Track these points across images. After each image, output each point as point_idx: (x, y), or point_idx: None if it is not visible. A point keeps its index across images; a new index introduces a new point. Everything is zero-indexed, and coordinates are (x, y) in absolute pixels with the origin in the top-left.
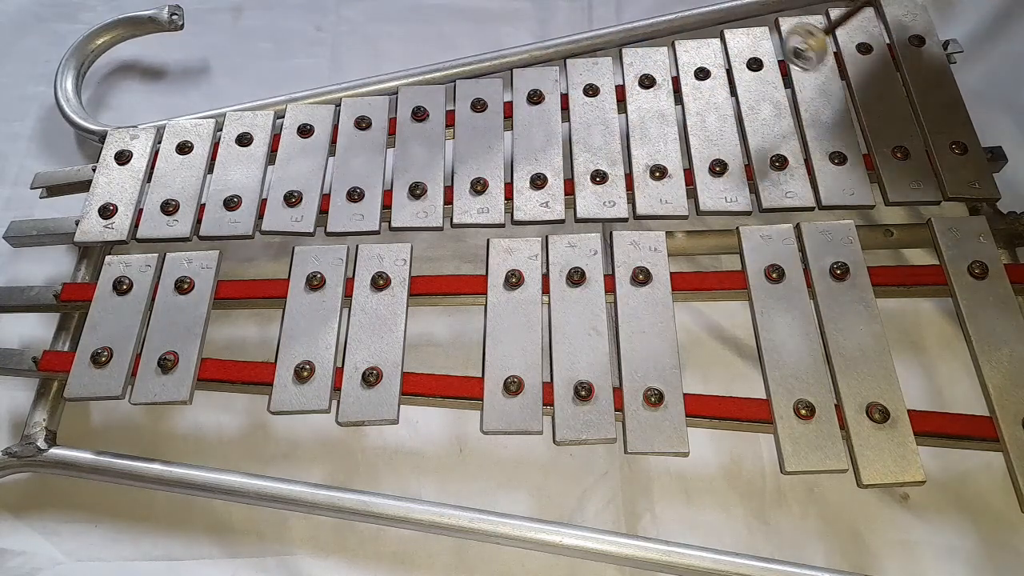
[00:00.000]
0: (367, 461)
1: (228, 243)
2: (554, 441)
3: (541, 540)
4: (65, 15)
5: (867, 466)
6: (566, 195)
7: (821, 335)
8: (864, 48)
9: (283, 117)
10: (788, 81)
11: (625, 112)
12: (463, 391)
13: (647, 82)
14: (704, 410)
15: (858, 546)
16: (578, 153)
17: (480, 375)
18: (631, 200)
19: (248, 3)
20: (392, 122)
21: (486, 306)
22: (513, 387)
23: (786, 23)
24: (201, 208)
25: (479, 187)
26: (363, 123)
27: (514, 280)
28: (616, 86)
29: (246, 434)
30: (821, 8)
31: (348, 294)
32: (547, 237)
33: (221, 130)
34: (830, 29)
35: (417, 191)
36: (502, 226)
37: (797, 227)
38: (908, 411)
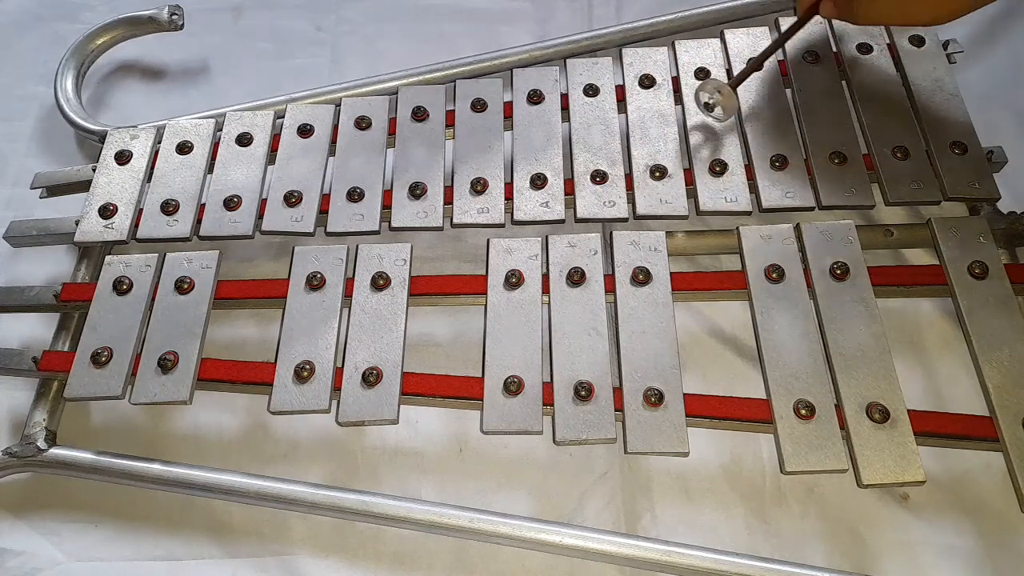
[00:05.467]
0: (367, 461)
1: (228, 243)
2: (554, 441)
3: (541, 540)
4: (65, 15)
5: (867, 466)
6: (566, 195)
7: (821, 335)
8: (864, 48)
9: (283, 117)
10: (788, 81)
11: (625, 112)
12: (463, 391)
13: (647, 82)
14: (704, 410)
15: (858, 546)
16: (578, 153)
17: (480, 375)
18: (631, 200)
19: (248, 3)
20: (392, 122)
21: (486, 306)
22: (513, 387)
23: (702, 85)
24: (201, 208)
25: (479, 187)
26: (363, 123)
27: (514, 280)
28: (616, 86)
29: (246, 434)
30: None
31: (348, 294)
32: (547, 237)
33: (221, 130)
34: (734, 85)
35: (417, 191)
36: (502, 226)
37: (797, 227)
38: (908, 411)
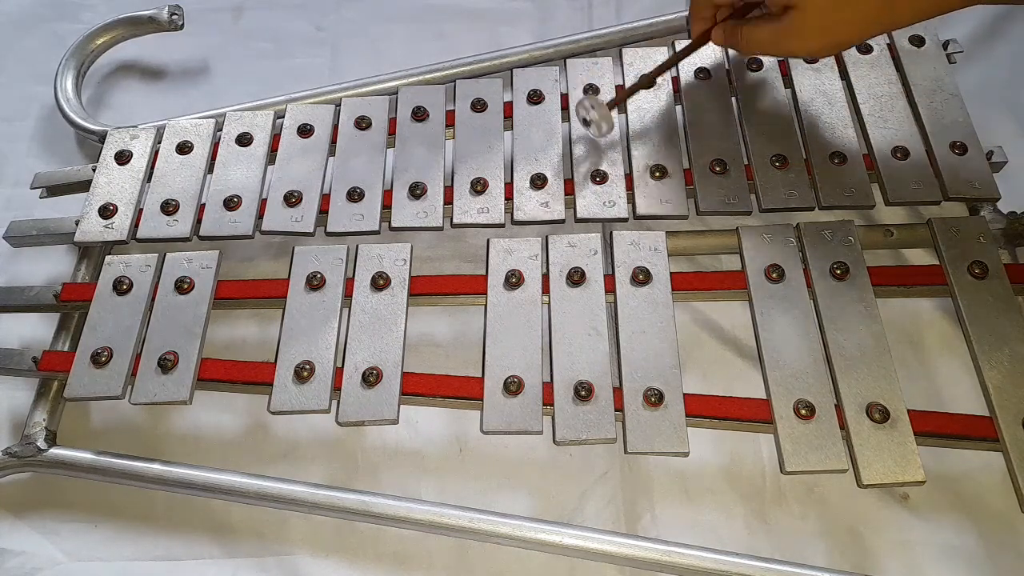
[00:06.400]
0: (367, 461)
1: (228, 243)
2: (554, 441)
3: (541, 540)
4: (65, 15)
5: (867, 466)
6: (566, 195)
7: (821, 335)
8: (864, 48)
9: (283, 117)
10: (788, 81)
11: (625, 112)
12: (463, 391)
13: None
14: (704, 410)
15: (858, 546)
16: (578, 153)
17: (480, 375)
18: (631, 200)
19: (248, 3)
20: (392, 122)
21: (486, 306)
22: (513, 387)
23: (580, 102)
24: (201, 208)
25: (479, 187)
26: (363, 123)
27: (514, 280)
28: (616, 86)
29: (246, 434)
30: None
31: (348, 294)
32: (547, 237)
33: (221, 130)
34: (613, 104)
35: (417, 191)
36: (502, 226)
37: (797, 227)
38: (908, 411)
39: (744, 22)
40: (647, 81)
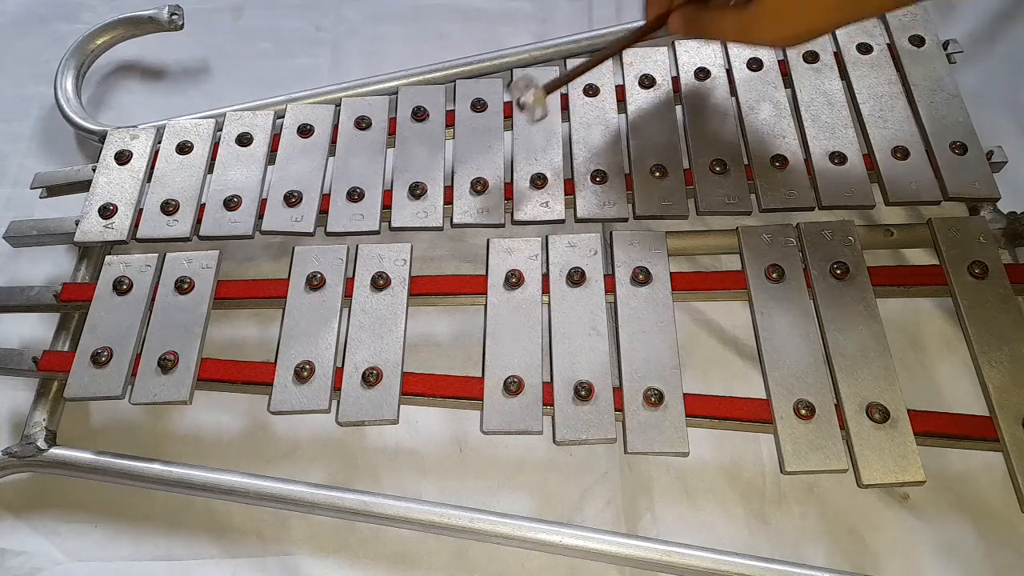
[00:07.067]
0: (367, 461)
1: (228, 243)
2: (554, 441)
3: (541, 540)
4: (65, 15)
5: (867, 466)
6: (566, 195)
7: (821, 335)
8: (864, 48)
9: (283, 117)
10: (788, 81)
11: (625, 112)
12: (463, 391)
13: (647, 82)
14: (704, 410)
15: (858, 546)
16: (578, 153)
17: (480, 375)
18: (631, 200)
19: (248, 3)
20: (392, 122)
21: (486, 306)
22: (513, 387)
23: (515, 82)
24: (201, 208)
25: (479, 187)
26: (363, 123)
27: (514, 280)
28: (616, 86)
29: (246, 434)
30: None
31: (348, 294)
32: (547, 237)
33: (221, 130)
34: (550, 88)
35: (417, 191)
36: (502, 226)
37: (797, 227)
38: (908, 411)
39: (705, 8)
40: (590, 66)
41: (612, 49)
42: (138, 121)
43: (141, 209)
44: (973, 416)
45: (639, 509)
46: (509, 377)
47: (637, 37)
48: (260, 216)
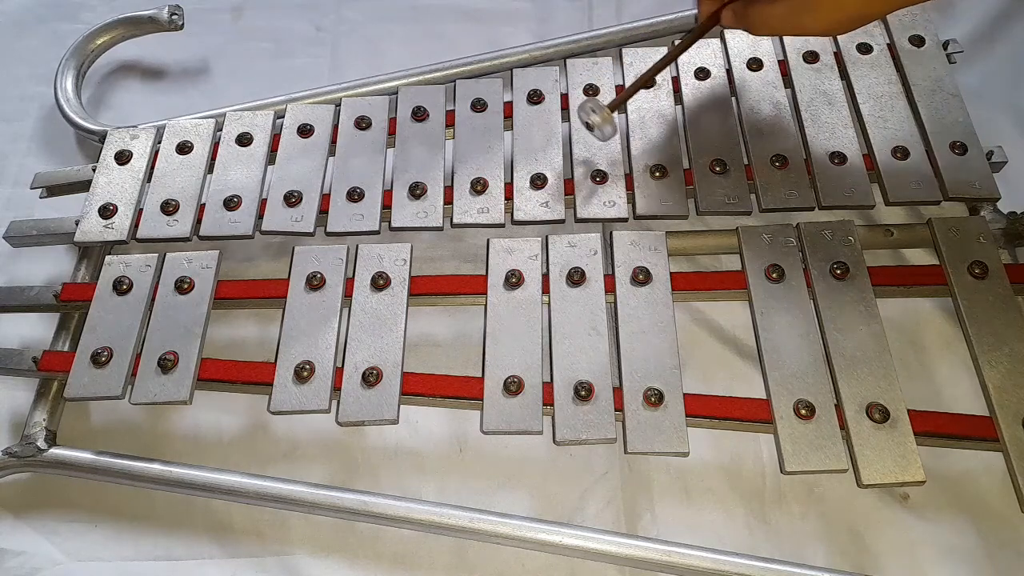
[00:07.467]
0: (367, 461)
1: (228, 243)
2: (554, 441)
3: (541, 540)
4: (65, 15)
5: (867, 466)
6: (566, 195)
7: (821, 335)
8: (864, 48)
9: (283, 117)
10: (788, 81)
11: (625, 112)
12: (463, 391)
13: (649, 83)
14: (704, 410)
15: (858, 546)
16: (578, 153)
17: (480, 375)
18: (631, 200)
19: (248, 3)
20: (392, 122)
21: (486, 306)
22: (513, 387)
23: (581, 105)
24: (201, 208)
25: (479, 187)
26: (363, 123)
27: (514, 280)
28: (616, 86)
29: (246, 434)
30: None
31: (348, 294)
32: (547, 237)
33: (221, 130)
34: (615, 106)
35: (417, 191)
36: (502, 226)
37: (797, 227)
38: (908, 411)
39: (754, 1)
40: (644, 81)
41: (671, 55)
42: (138, 121)
43: (141, 209)
44: (973, 416)
45: (639, 509)
46: (509, 377)
47: (694, 38)
48: (260, 216)
